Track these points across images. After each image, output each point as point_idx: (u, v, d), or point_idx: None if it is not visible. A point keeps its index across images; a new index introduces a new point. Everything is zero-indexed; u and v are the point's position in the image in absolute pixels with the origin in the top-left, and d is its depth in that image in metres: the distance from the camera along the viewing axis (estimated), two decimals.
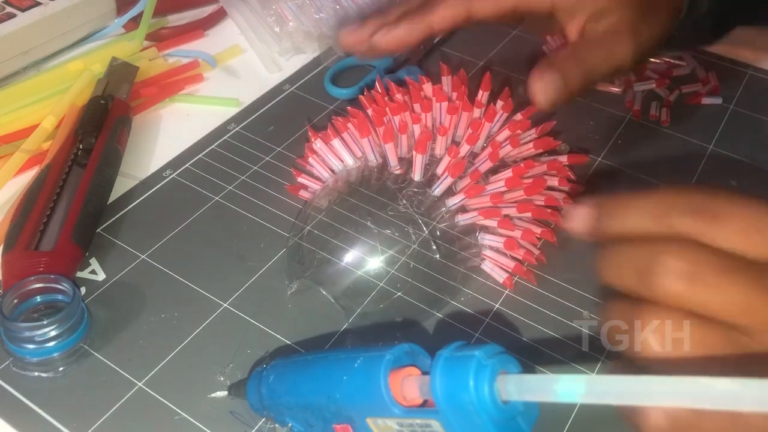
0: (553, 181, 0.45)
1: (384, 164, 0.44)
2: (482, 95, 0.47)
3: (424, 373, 0.28)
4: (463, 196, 0.42)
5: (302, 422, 0.32)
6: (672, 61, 0.59)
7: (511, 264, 0.41)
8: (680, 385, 0.21)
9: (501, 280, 0.41)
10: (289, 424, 0.32)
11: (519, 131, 0.46)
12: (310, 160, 0.46)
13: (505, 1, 0.43)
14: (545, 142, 0.46)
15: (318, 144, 0.46)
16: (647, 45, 0.42)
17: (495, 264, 0.42)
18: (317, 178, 0.46)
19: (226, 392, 0.35)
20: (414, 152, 0.42)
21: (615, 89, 0.56)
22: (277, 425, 0.33)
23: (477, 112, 0.46)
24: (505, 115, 0.46)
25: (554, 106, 0.40)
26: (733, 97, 0.56)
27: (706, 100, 0.55)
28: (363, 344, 0.38)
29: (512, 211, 0.42)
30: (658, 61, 0.59)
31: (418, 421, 0.27)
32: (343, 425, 0.30)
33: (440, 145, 0.44)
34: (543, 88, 0.39)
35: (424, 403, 0.27)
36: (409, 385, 0.27)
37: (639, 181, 0.48)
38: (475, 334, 0.38)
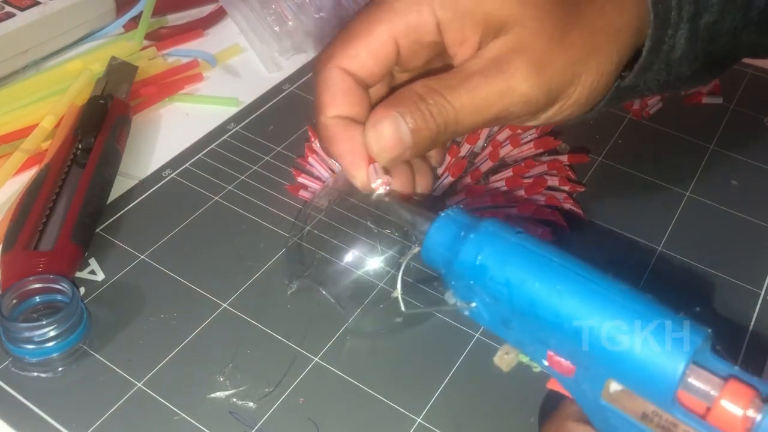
0: (554, 181, 0.45)
1: None
2: None
3: (715, 374, 0.22)
4: (464, 196, 0.42)
5: (495, 314, 0.24)
6: None
7: None
8: None
9: None
10: (473, 304, 0.25)
11: (519, 131, 0.46)
12: (310, 159, 0.46)
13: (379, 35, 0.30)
14: (545, 142, 0.46)
15: (318, 144, 0.46)
16: (563, 88, 0.29)
17: None
18: (317, 178, 0.46)
19: (226, 392, 0.35)
20: None
21: None
22: (450, 292, 0.27)
23: None
24: None
25: (394, 163, 0.30)
26: (733, 97, 0.56)
27: (706, 100, 0.55)
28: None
29: (512, 211, 0.42)
30: None
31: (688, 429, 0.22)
32: (566, 362, 0.23)
33: None
34: (376, 139, 0.29)
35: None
36: (691, 385, 0.22)
37: (639, 181, 0.48)
38: (475, 334, 0.38)
